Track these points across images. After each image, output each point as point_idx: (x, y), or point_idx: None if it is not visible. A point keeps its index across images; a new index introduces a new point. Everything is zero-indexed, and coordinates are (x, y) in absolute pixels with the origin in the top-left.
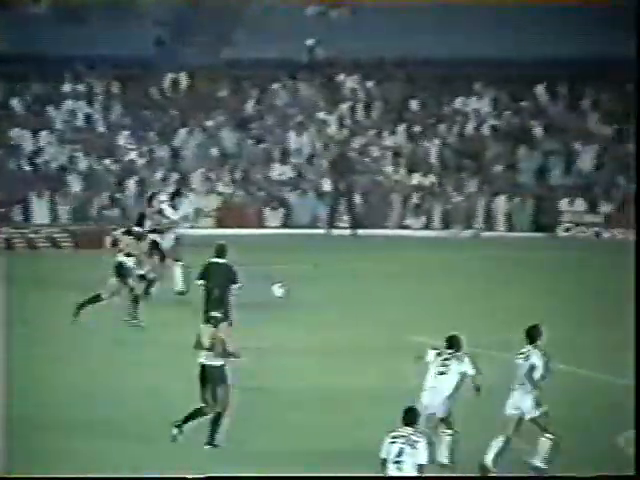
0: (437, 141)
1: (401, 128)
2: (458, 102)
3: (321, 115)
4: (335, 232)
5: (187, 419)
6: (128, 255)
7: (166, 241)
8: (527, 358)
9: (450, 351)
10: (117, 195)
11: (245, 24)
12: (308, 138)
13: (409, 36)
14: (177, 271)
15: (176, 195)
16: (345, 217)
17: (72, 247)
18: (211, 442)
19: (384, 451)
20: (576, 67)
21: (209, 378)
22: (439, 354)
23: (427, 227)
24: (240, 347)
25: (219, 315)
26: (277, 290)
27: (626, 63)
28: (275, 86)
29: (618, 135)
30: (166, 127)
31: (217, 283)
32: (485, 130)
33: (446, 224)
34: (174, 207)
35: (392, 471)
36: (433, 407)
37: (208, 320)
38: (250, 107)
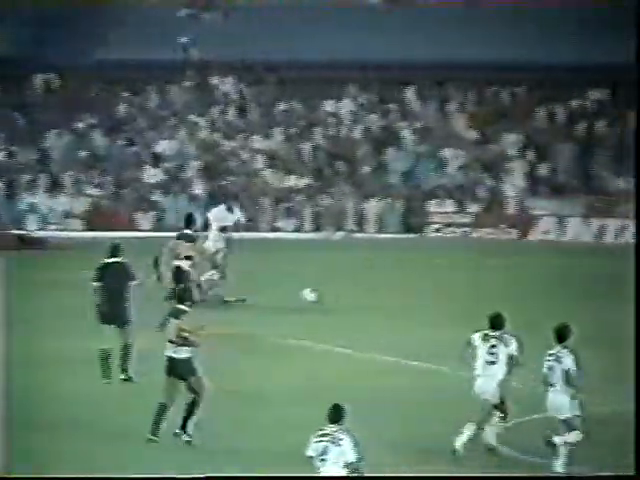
0: (309, 144)
1: (275, 131)
2: (329, 105)
3: (193, 117)
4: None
5: (157, 422)
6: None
7: None
8: (558, 359)
9: (496, 334)
10: None
11: (118, 25)
12: (180, 141)
13: (280, 38)
14: None
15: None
16: None
17: None
18: (184, 428)
19: (311, 449)
20: (444, 70)
21: (178, 371)
22: (485, 338)
23: (299, 230)
24: None
25: (183, 307)
26: (309, 295)
27: (487, 66)
28: (147, 88)
29: (483, 137)
30: (35, 129)
31: (113, 282)
32: (356, 133)
33: (317, 226)
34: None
35: (319, 469)
36: (487, 393)
37: (173, 313)
38: (122, 109)
